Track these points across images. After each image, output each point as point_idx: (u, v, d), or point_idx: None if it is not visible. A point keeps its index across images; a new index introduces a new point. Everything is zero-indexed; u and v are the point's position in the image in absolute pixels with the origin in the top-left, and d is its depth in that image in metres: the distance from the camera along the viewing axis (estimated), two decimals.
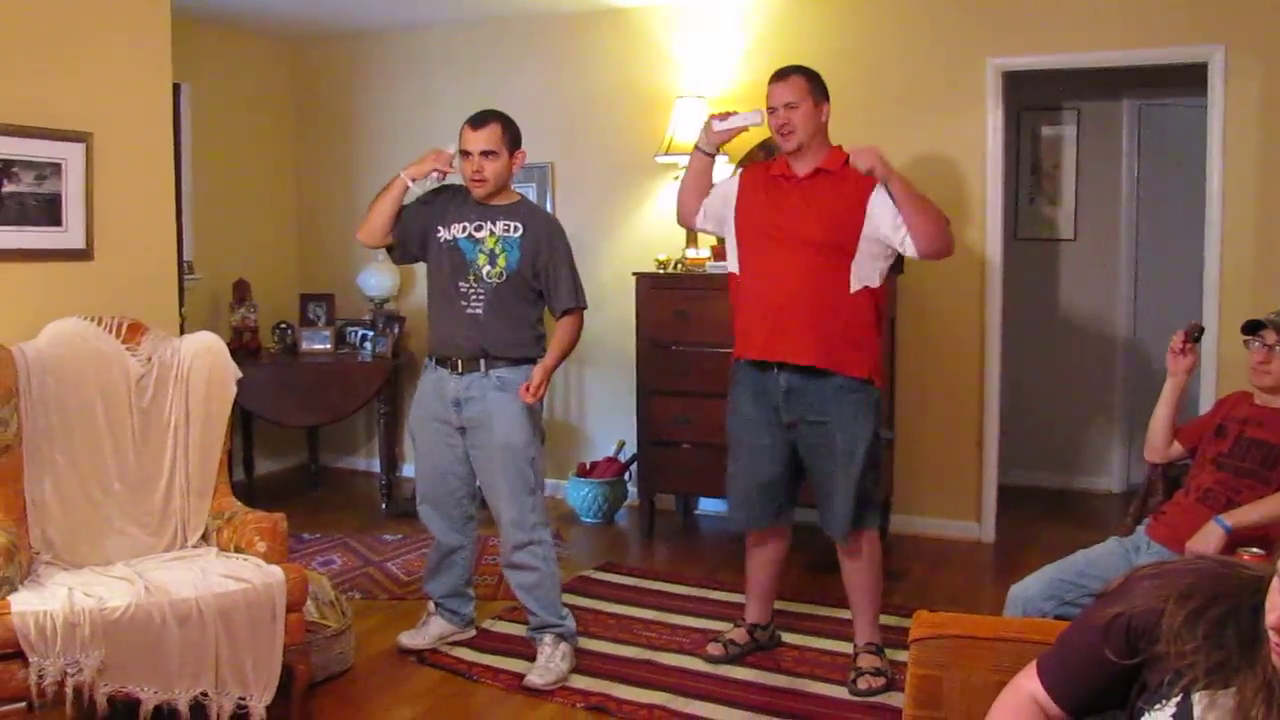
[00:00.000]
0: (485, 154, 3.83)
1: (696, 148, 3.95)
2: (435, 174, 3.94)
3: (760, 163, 4.01)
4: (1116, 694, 1.60)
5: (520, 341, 3.91)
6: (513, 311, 3.89)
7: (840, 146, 3.80)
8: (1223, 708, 1.43)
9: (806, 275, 3.67)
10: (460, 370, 3.90)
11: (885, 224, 3.65)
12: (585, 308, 4.00)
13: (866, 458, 3.73)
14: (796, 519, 4.06)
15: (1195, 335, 3.43)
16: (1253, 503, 3.05)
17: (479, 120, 3.87)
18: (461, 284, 3.88)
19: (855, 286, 3.69)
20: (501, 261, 3.85)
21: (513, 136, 3.90)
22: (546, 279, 3.91)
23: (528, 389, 3.83)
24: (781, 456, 3.83)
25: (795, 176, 3.77)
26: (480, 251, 3.87)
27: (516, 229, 3.87)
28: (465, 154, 3.86)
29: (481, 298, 3.86)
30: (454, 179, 4.02)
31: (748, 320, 3.82)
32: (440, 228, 3.94)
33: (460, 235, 3.90)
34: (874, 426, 3.76)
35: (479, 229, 3.88)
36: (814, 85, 3.76)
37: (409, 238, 4.01)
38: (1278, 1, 4.85)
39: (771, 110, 3.75)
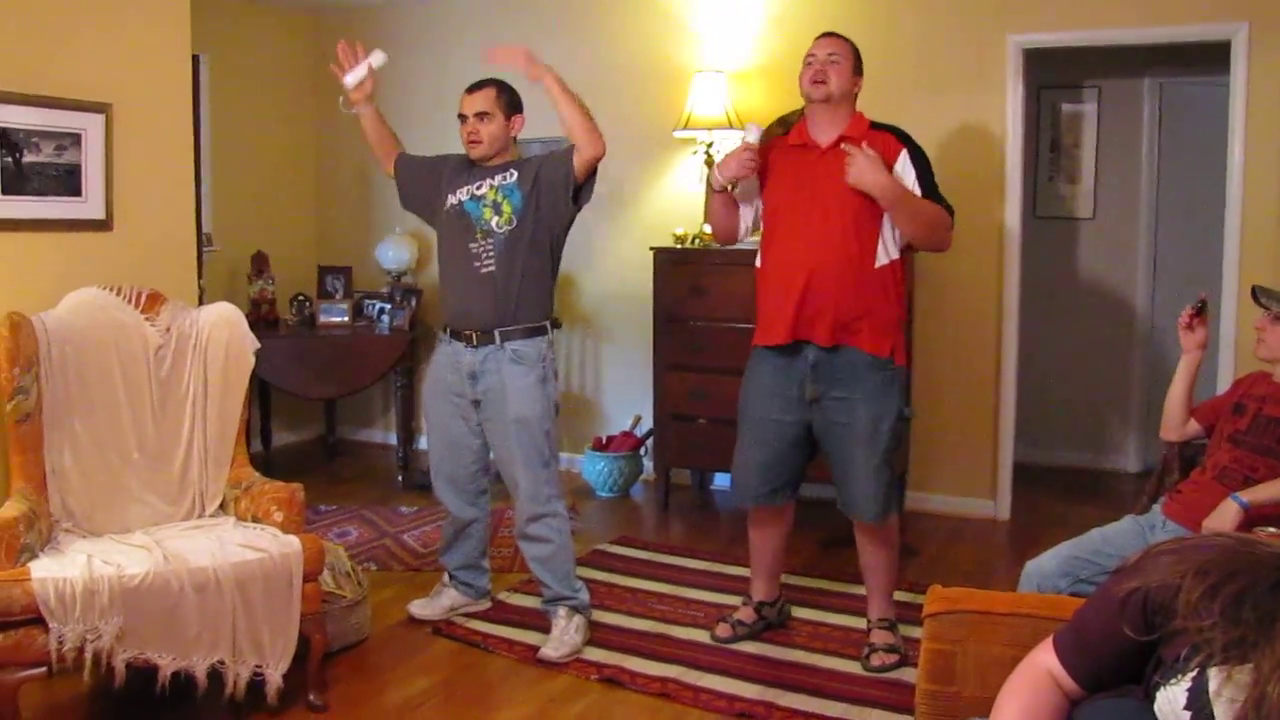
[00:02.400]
0: (480, 115, 3.89)
1: (709, 186, 3.93)
2: (358, 67, 4.00)
3: (777, 138, 3.96)
4: (1133, 669, 1.60)
5: (535, 302, 3.91)
6: (526, 266, 3.88)
7: (861, 114, 3.78)
8: (1238, 684, 1.43)
9: (834, 248, 3.62)
10: (475, 343, 3.91)
11: None
12: (600, 138, 3.87)
13: (891, 436, 3.71)
14: (808, 495, 4.04)
15: (1200, 308, 3.41)
16: (1270, 480, 3.04)
17: (474, 85, 3.95)
18: (472, 244, 3.90)
19: (882, 259, 3.66)
20: (507, 208, 3.87)
21: (509, 101, 3.94)
22: (555, 174, 3.86)
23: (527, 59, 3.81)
24: (793, 435, 3.79)
25: (818, 146, 3.73)
26: (484, 206, 3.89)
27: (512, 174, 3.91)
28: (462, 117, 3.93)
29: (493, 253, 3.87)
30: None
31: (772, 302, 3.76)
32: (448, 195, 3.98)
33: (465, 198, 3.94)
34: (898, 404, 3.75)
35: (479, 187, 3.93)
36: (857, 55, 3.77)
37: (406, 180, 4.17)
38: None
39: (810, 60, 3.73)
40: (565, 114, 3.78)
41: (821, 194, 3.66)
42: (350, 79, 4.03)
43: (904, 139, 3.72)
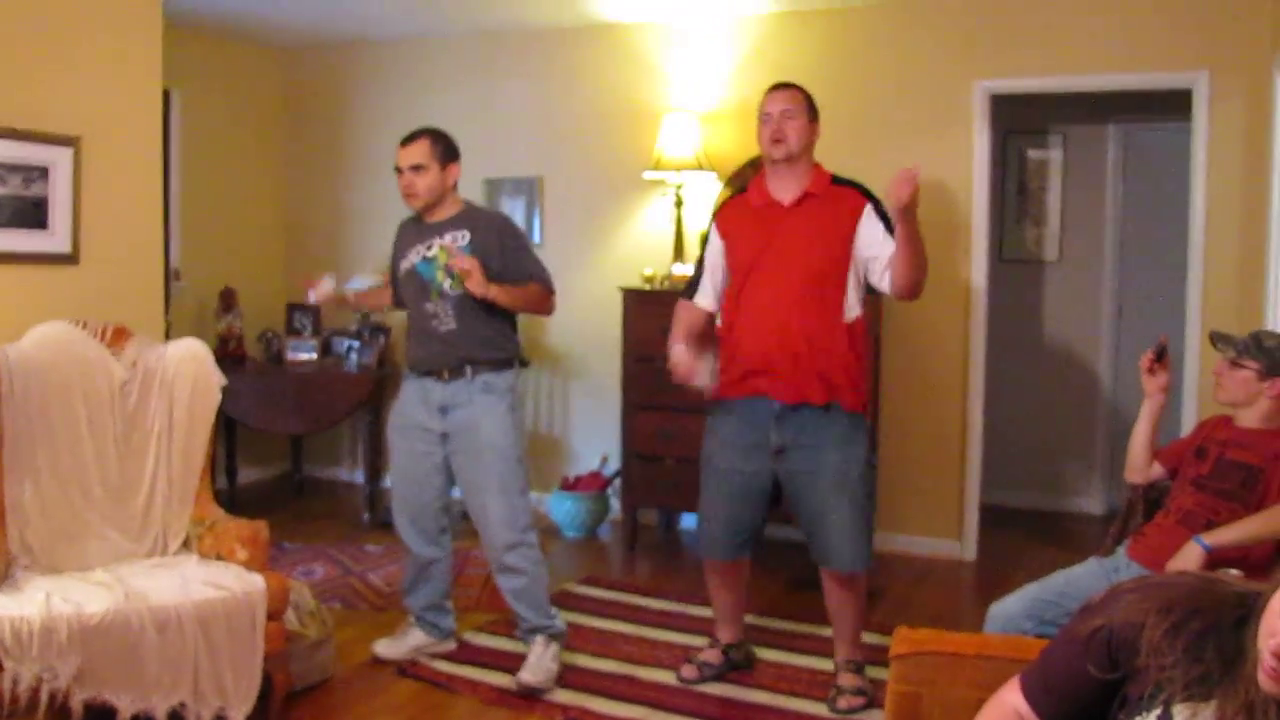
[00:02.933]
0: (415, 168, 3.90)
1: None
2: (310, 293, 4.29)
3: (733, 199, 3.96)
4: (1098, 707, 1.60)
5: (498, 343, 3.94)
6: (484, 316, 3.91)
7: (820, 166, 3.78)
8: None
9: (801, 307, 3.62)
10: (446, 378, 3.92)
11: (866, 251, 3.65)
12: (553, 291, 4.00)
13: (861, 483, 3.71)
14: (774, 536, 4.04)
15: (1161, 352, 3.45)
16: (1232, 523, 3.06)
17: (408, 137, 3.97)
18: (428, 305, 3.93)
19: (850, 314, 3.68)
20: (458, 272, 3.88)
21: (444, 150, 3.95)
22: (509, 271, 3.91)
23: (464, 261, 3.79)
24: (758, 486, 3.77)
25: (781, 205, 3.72)
26: (435, 268, 3.91)
27: (464, 236, 3.91)
28: (397, 170, 3.94)
29: (451, 312, 3.90)
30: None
31: (736, 360, 3.75)
32: (400, 261, 4.04)
33: (415, 260, 3.97)
34: (864, 451, 3.75)
35: (429, 248, 3.94)
36: (810, 104, 3.75)
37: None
38: (1261, 28, 4.90)
39: (765, 118, 3.72)
40: (907, 259, 3.54)
41: (789, 252, 3.66)
42: (313, 298, 4.30)
43: (867, 194, 3.72)
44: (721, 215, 3.94)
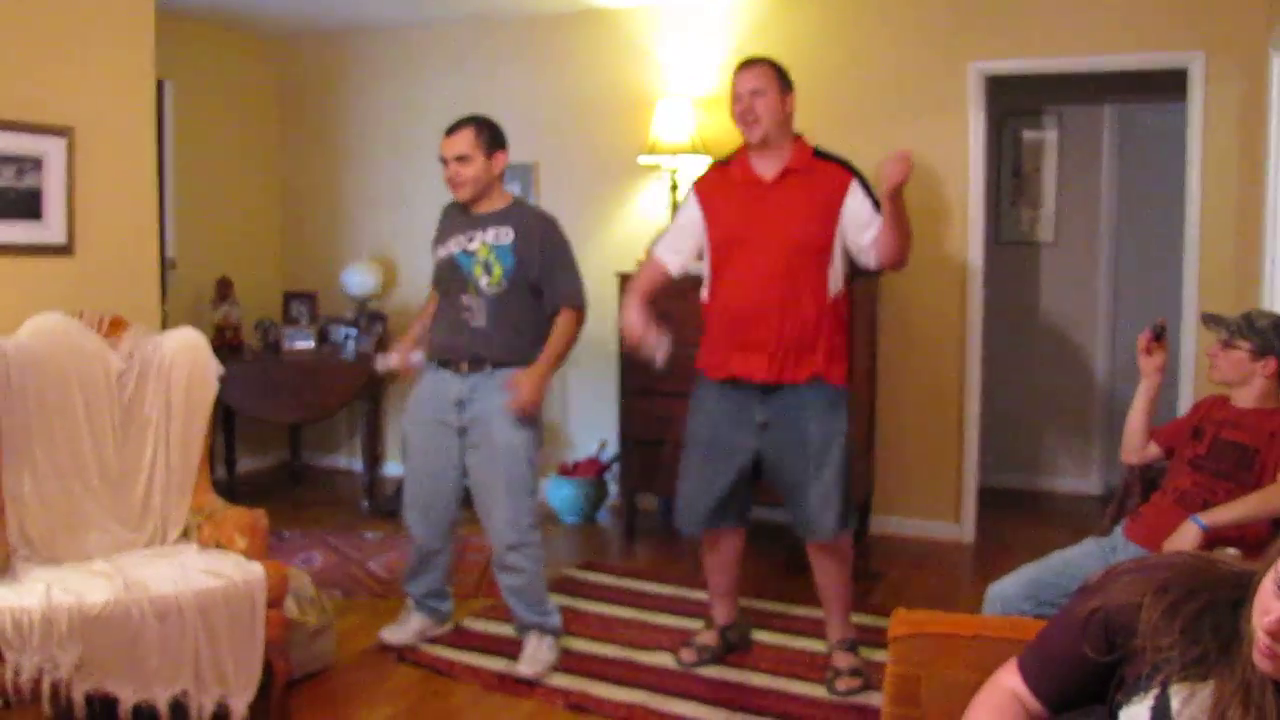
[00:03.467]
0: (459, 159, 3.83)
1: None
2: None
3: (714, 169, 3.94)
4: (1096, 688, 1.61)
5: (524, 345, 3.90)
6: (516, 317, 3.89)
7: (803, 138, 3.76)
8: (1200, 701, 1.44)
9: (783, 282, 3.62)
10: (465, 371, 3.90)
11: (853, 228, 3.65)
12: (582, 308, 3.98)
13: (842, 453, 3.72)
14: (770, 519, 4.05)
15: (1159, 333, 3.46)
16: (1229, 502, 3.07)
17: (452, 127, 3.89)
18: (464, 297, 3.89)
19: (833, 289, 3.68)
20: (497, 271, 3.84)
21: (490, 138, 3.88)
22: (543, 280, 3.90)
23: (515, 403, 3.80)
24: (741, 459, 3.78)
25: (763, 180, 3.71)
26: (475, 264, 3.86)
27: (507, 234, 3.86)
28: (442, 161, 3.88)
29: (483, 309, 3.86)
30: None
31: (719, 337, 3.77)
32: (439, 246, 3.97)
33: (456, 250, 3.90)
34: (845, 424, 3.75)
35: (470, 240, 3.88)
36: (780, 75, 3.72)
37: None
38: (1256, 8, 4.89)
39: (736, 98, 3.70)
40: (892, 237, 3.57)
41: (771, 228, 3.65)
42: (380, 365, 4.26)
43: (851, 169, 3.71)
44: (702, 184, 3.89)
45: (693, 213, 3.86)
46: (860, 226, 3.64)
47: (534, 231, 3.90)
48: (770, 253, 3.64)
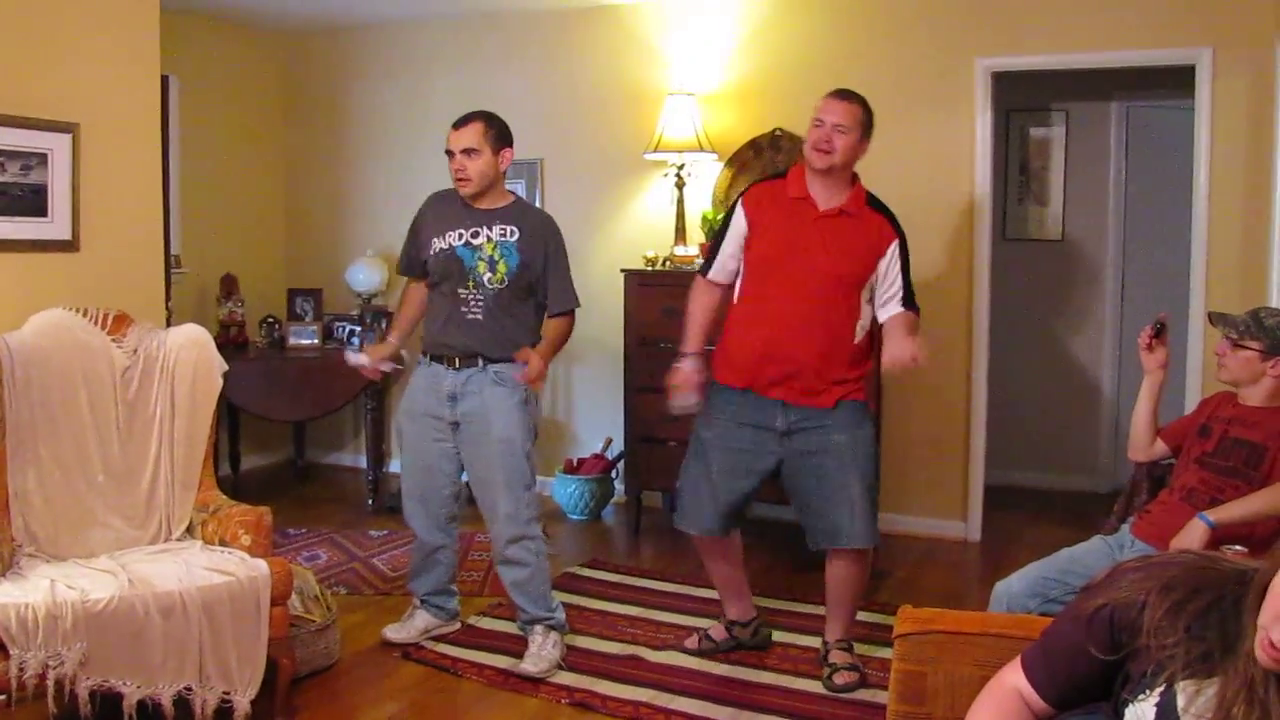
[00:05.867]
0: (467, 152, 3.82)
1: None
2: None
3: (766, 182, 3.91)
4: (1100, 686, 1.60)
5: (518, 342, 3.90)
6: (512, 314, 3.90)
7: (859, 181, 3.76)
8: (1206, 698, 1.43)
9: (814, 313, 3.64)
10: (458, 366, 3.90)
11: (880, 284, 3.71)
12: (573, 311, 4.02)
13: (871, 462, 3.74)
14: (780, 518, 4.05)
15: (1159, 330, 3.45)
16: (1237, 500, 3.06)
17: (461, 120, 3.88)
18: (462, 290, 3.88)
19: (860, 334, 3.71)
20: (502, 268, 3.85)
21: (498, 134, 3.87)
22: (543, 280, 3.92)
23: (526, 375, 3.83)
24: (760, 468, 3.77)
25: (815, 207, 3.69)
26: (480, 259, 3.85)
27: (513, 233, 3.87)
28: (449, 154, 3.87)
29: (482, 303, 3.86)
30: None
31: (744, 351, 3.75)
32: (435, 238, 3.93)
33: (458, 243, 3.89)
34: (871, 431, 3.77)
35: (475, 235, 3.87)
36: (868, 119, 3.69)
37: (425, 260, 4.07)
38: (1264, 3, 4.87)
39: (818, 123, 3.65)
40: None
41: (813, 261, 3.65)
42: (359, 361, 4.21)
43: (896, 228, 3.74)
44: (752, 197, 3.85)
45: (740, 225, 3.83)
46: (885, 287, 3.71)
47: (538, 232, 3.91)
48: (808, 284, 3.65)
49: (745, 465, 3.78)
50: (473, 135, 3.83)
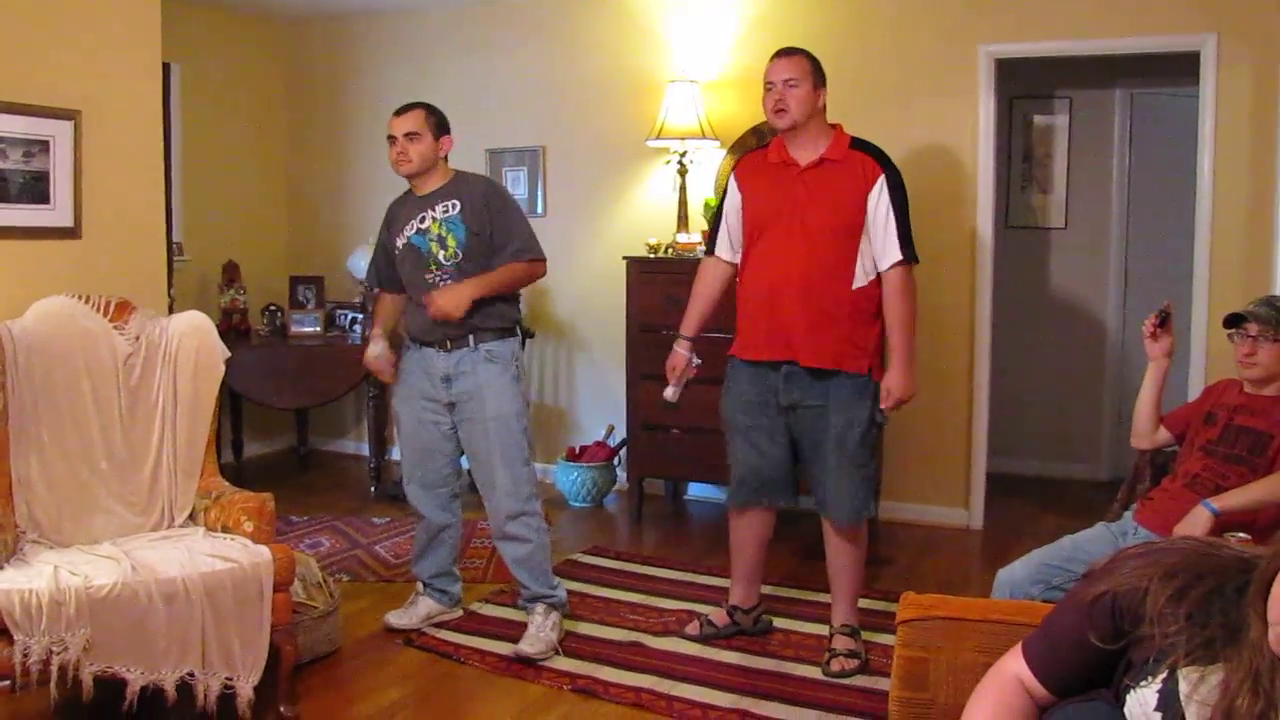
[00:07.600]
0: (409, 135, 3.91)
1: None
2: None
3: (752, 152, 3.98)
4: (1101, 673, 1.60)
5: (499, 311, 3.96)
6: None
7: (840, 127, 3.77)
8: (1210, 684, 1.43)
9: (804, 266, 3.65)
10: (449, 348, 3.93)
11: (870, 224, 3.67)
12: (541, 258, 4.02)
13: (862, 442, 3.73)
14: (788, 506, 4.05)
15: (1164, 318, 3.43)
16: (1241, 487, 3.06)
17: (402, 108, 3.98)
18: (428, 275, 3.94)
19: (860, 280, 3.68)
20: (451, 242, 3.90)
21: (438, 122, 3.97)
22: (495, 239, 3.94)
23: (432, 308, 3.83)
24: (779, 439, 3.83)
25: (798, 165, 3.72)
26: (430, 240, 3.92)
27: (454, 206, 3.93)
28: (391, 139, 3.95)
29: (447, 282, 3.90)
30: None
31: (749, 318, 3.81)
32: (397, 238, 4.02)
33: (411, 234, 3.97)
34: (870, 412, 3.75)
35: (423, 220, 3.95)
36: (815, 68, 3.72)
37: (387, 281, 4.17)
38: None
39: (769, 86, 3.70)
40: (509, 290, 4.00)
41: (801, 213, 3.67)
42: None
43: (883, 163, 3.71)
44: (740, 168, 3.94)
45: (735, 198, 3.90)
46: (879, 229, 3.66)
47: (477, 196, 3.96)
48: (795, 236, 3.67)
49: (767, 436, 3.84)
50: (415, 120, 3.93)
